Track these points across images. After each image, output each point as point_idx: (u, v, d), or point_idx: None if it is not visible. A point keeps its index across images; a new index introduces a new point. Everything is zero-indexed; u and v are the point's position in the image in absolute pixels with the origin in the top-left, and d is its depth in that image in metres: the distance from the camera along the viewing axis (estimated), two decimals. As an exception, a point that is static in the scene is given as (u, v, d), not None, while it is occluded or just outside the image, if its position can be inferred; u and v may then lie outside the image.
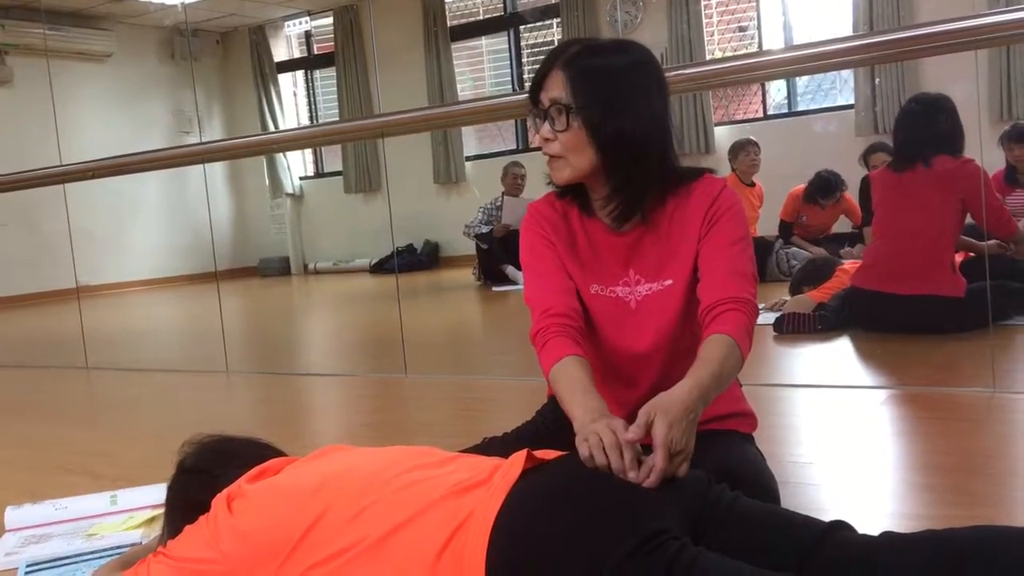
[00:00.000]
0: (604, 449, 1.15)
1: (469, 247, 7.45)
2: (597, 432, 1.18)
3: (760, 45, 8.03)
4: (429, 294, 7.09)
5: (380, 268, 9.39)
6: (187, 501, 1.32)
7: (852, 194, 5.80)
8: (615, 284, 1.56)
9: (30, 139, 7.87)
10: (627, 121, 1.44)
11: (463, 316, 5.75)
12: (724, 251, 1.48)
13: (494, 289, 6.57)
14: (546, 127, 1.47)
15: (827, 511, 1.57)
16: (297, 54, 10.88)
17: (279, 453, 1.43)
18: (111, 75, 9.73)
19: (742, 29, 8.28)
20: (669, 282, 1.53)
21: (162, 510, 1.60)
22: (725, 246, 1.48)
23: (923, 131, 3.39)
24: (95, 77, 9.50)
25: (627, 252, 1.55)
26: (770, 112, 8.05)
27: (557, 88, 1.44)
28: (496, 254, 6.85)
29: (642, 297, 1.55)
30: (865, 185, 6.03)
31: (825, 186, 5.76)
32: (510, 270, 6.68)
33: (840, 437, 2.18)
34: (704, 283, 1.47)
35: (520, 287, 6.67)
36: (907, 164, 3.42)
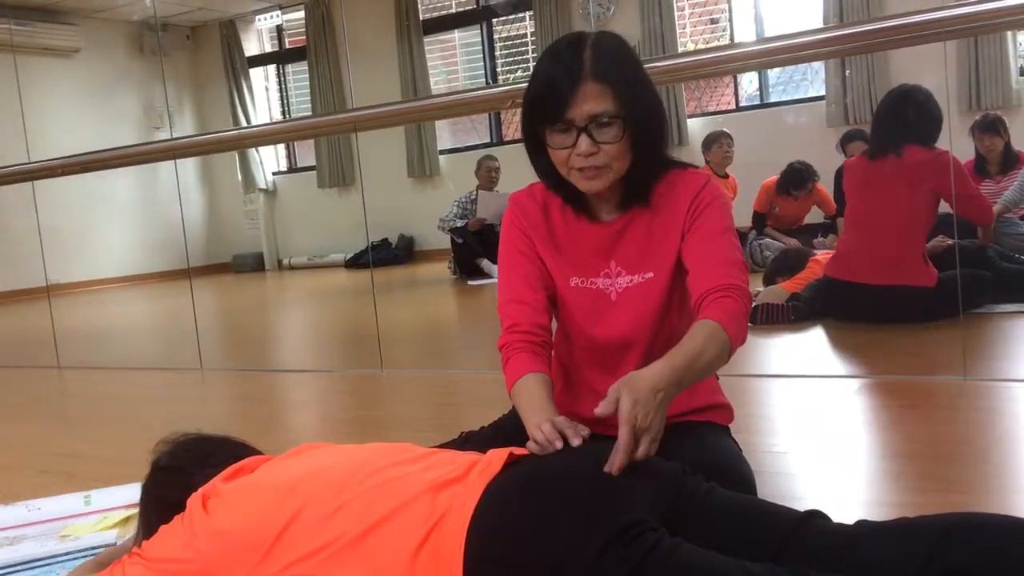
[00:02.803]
0: (554, 432, 1.22)
1: (444, 241, 7.44)
2: (538, 425, 1.25)
3: (732, 37, 8.07)
4: (405, 289, 7.08)
5: (355, 263, 9.34)
6: (162, 501, 1.31)
7: (825, 185, 5.85)
8: (595, 276, 1.55)
9: (-3, 136, 7.75)
10: (653, 117, 1.47)
11: (439, 310, 5.74)
12: (712, 241, 1.47)
13: (469, 283, 6.56)
14: (586, 143, 1.40)
15: (802, 500, 1.58)
16: (269, 48, 10.80)
17: (254, 451, 1.42)
18: (79, 70, 9.59)
19: (714, 21, 8.31)
20: (650, 275, 1.53)
21: (137, 510, 1.59)
22: (712, 236, 1.48)
23: (894, 121, 3.42)
24: (63, 72, 9.37)
25: (609, 243, 1.54)
26: (742, 104, 8.09)
27: (598, 102, 1.39)
28: (471, 248, 6.84)
29: (623, 289, 1.54)
30: (840, 175, 6.08)
31: (797, 177, 5.81)
32: (485, 264, 6.68)
33: (814, 426, 2.20)
34: (694, 274, 1.46)
35: (495, 281, 6.70)
36: (879, 154, 3.46)
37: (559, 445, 1.21)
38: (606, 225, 1.54)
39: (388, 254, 9.25)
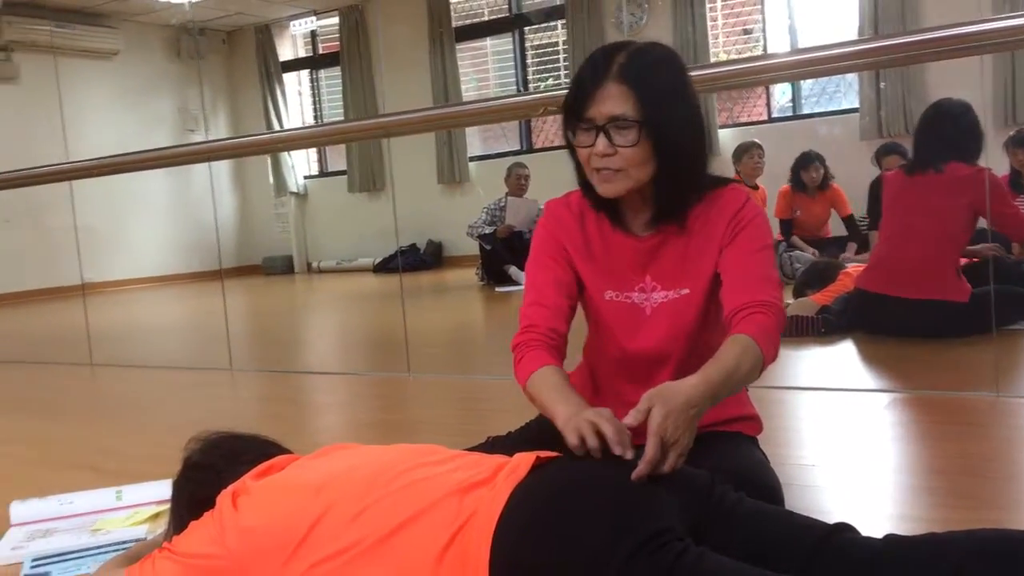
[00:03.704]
0: (595, 434, 1.16)
1: (472, 247, 7.46)
2: (586, 418, 1.20)
3: (765, 48, 8.03)
4: (432, 294, 7.10)
5: (383, 267, 9.39)
6: (193, 497, 1.33)
7: (857, 198, 5.84)
8: (631, 290, 1.55)
9: (36, 136, 7.88)
10: (686, 128, 1.44)
11: (466, 316, 5.75)
12: (749, 257, 1.47)
13: (497, 290, 6.57)
14: (602, 143, 1.41)
15: (830, 513, 1.57)
16: (302, 53, 10.89)
17: (284, 451, 1.44)
18: (117, 73, 9.74)
19: (747, 32, 8.28)
20: (686, 291, 1.52)
21: (167, 506, 1.61)
22: (750, 253, 1.47)
23: (936, 136, 3.40)
24: (101, 75, 9.51)
25: (645, 257, 1.53)
26: (775, 115, 8.06)
27: (617, 103, 1.39)
28: (499, 255, 6.85)
29: (657, 304, 1.54)
30: (873, 188, 6.06)
31: (803, 159, 5.97)
32: (513, 270, 6.69)
33: (843, 440, 2.19)
34: (728, 288, 1.46)
35: (523, 288, 6.67)
36: (919, 168, 3.43)
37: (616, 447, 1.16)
38: (641, 240, 1.53)
39: (416, 259, 9.29)
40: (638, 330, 1.55)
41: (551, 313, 1.51)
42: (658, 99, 1.40)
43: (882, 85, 7.16)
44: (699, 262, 1.51)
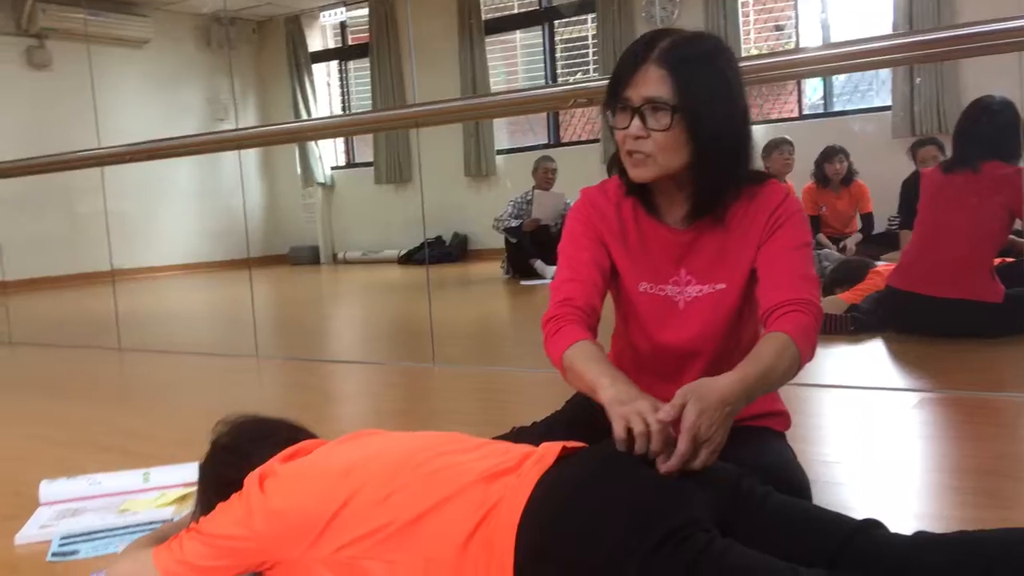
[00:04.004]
0: (645, 436, 1.13)
1: (497, 241, 7.45)
2: (638, 410, 1.16)
3: (797, 44, 7.95)
4: (457, 286, 7.11)
5: (408, 259, 9.42)
6: (220, 479, 1.34)
7: (885, 197, 5.79)
8: (665, 282, 1.53)
9: (68, 123, 7.96)
10: (727, 122, 1.41)
11: (491, 309, 5.76)
12: (786, 255, 1.44)
13: (522, 283, 6.56)
14: (637, 125, 1.40)
15: (854, 510, 1.55)
16: (332, 44, 10.93)
17: (310, 435, 1.44)
18: (148, 61, 9.82)
19: (779, 28, 8.21)
20: (722, 286, 1.50)
21: (194, 489, 1.62)
22: (787, 250, 1.45)
23: (974, 134, 3.35)
24: (132, 63, 9.59)
25: (681, 251, 1.51)
26: (805, 112, 7.98)
27: (654, 86, 1.38)
28: (525, 248, 6.84)
29: (691, 299, 1.52)
30: (905, 187, 5.99)
31: (827, 151, 5.95)
32: (539, 264, 6.68)
33: (870, 438, 2.17)
34: (765, 285, 1.44)
35: (548, 282, 6.62)
36: (957, 166, 3.38)
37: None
38: (678, 232, 1.51)
39: (442, 252, 9.31)
40: (670, 324, 1.53)
41: (587, 289, 1.48)
42: (697, 87, 1.38)
43: (917, 81, 7.07)
44: (736, 258, 1.49)
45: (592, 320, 1.47)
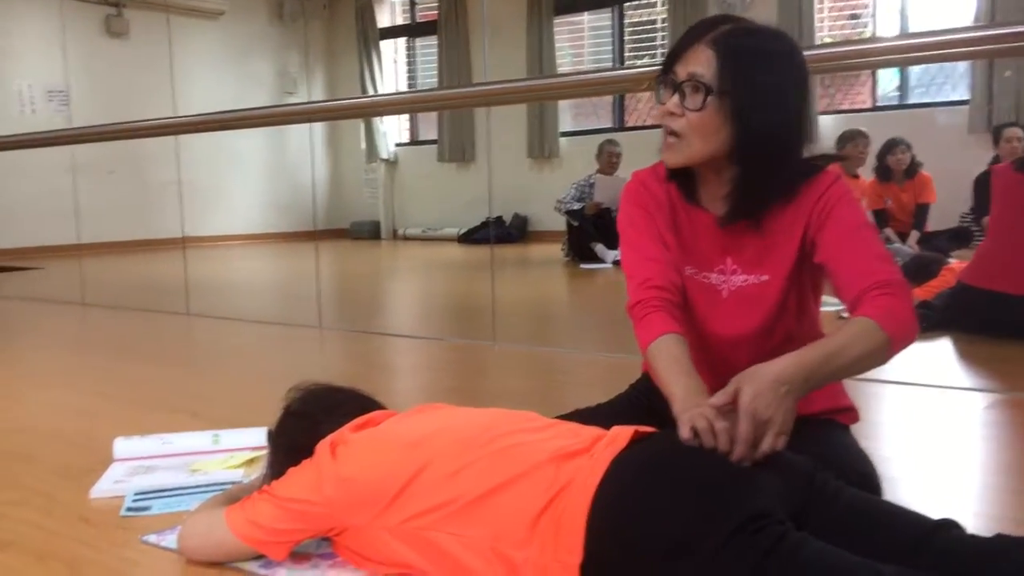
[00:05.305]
0: (711, 431, 1.13)
1: (557, 223, 7.44)
2: (703, 413, 1.15)
3: (874, 34, 7.76)
4: (517, 267, 7.12)
5: (468, 238, 9.46)
6: (291, 444, 1.37)
7: (952, 183, 5.68)
8: (710, 270, 1.51)
9: (143, 91, 8.15)
10: (772, 115, 1.37)
11: (550, 290, 5.75)
12: (854, 236, 1.39)
13: (582, 266, 6.55)
14: (674, 100, 1.38)
15: (908, 507, 1.52)
16: (400, 21, 10.97)
17: (380, 406, 1.46)
18: (221, 32, 9.98)
19: (855, 17, 8.03)
20: (766, 277, 1.48)
21: (261, 452, 1.66)
22: (853, 231, 1.40)
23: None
24: (205, 34, 9.76)
25: (726, 239, 1.49)
26: (879, 103, 7.80)
27: (700, 64, 1.36)
28: (586, 231, 6.82)
29: (736, 288, 1.50)
30: (978, 183, 5.84)
31: (889, 143, 5.83)
32: (599, 248, 6.65)
33: (933, 436, 2.12)
34: (843, 272, 1.37)
35: (608, 266, 6.58)
36: (1032, 162, 3.29)
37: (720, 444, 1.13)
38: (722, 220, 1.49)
39: (502, 232, 9.33)
40: (713, 313, 1.51)
41: (662, 267, 1.46)
42: (745, 78, 1.35)
43: (1007, 74, 6.85)
44: (781, 249, 1.46)
45: (676, 297, 1.45)
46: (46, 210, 7.90)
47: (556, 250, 7.36)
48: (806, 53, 1.48)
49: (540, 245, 8.74)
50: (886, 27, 7.66)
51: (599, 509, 1.05)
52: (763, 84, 1.36)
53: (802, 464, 1.15)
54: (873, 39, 6.27)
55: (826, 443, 1.45)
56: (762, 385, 1.16)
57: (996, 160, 5.91)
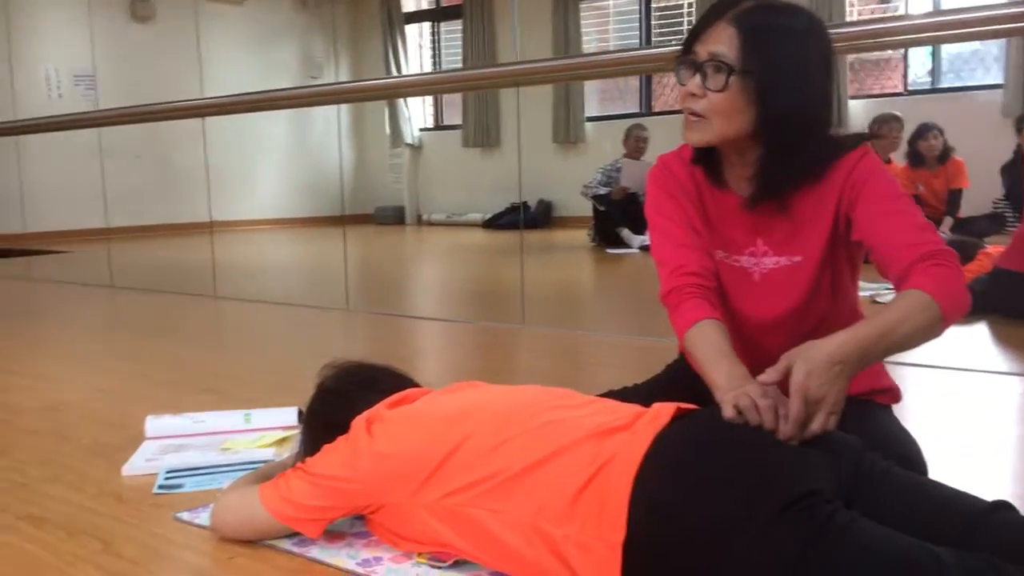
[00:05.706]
0: (756, 408, 1.10)
1: (582, 208, 7.39)
2: (748, 393, 1.12)
3: (906, 12, 7.63)
4: (542, 251, 7.09)
5: (493, 224, 9.43)
6: (326, 421, 1.35)
7: (985, 167, 5.59)
8: (740, 253, 1.48)
9: (169, 77, 8.18)
10: (796, 94, 1.33)
11: (576, 274, 5.73)
12: (891, 208, 1.35)
13: (608, 251, 6.51)
14: (696, 81, 1.35)
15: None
16: (425, 5, 10.93)
17: (415, 384, 1.45)
18: (246, 17, 9.99)
19: (884, 0, 7.89)
20: (798, 258, 1.44)
21: (292, 432, 1.65)
22: (889, 203, 1.35)
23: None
24: (229, 19, 9.77)
25: (756, 221, 1.46)
26: (910, 87, 7.68)
27: (722, 43, 1.32)
28: (612, 216, 6.77)
29: (768, 270, 1.47)
30: (1006, 169, 5.74)
31: (920, 128, 5.76)
32: (625, 233, 6.61)
33: (967, 419, 2.08)
34: (887, 246, 1.33)
35: (634, 251, 6.52)
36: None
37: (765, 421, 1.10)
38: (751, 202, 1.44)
39: (527, 216, 9.29)
40: (745, 296, 1.48)
41: (694, 253, 1.43)
42: (768, 56, 1.31)
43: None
44: (813, 227, 1.42)
45: (710, 282, 1.42)
46: (75, 195, 7.97)
47: (581, 235, 7.32)
48: (834, 31, 1.44)
49: (565, 231, 8.69)
50: (918, 6, 7.53)
51: (643, 485, 1.02)
52: (787, 62, 1.32)
53: (851, 443, 1.12)
54: (898, 17, 6.15)
55: (871, 423, 1.42)
56: (816, 363, 1.13)
57: (1019, 149, 5.81)
